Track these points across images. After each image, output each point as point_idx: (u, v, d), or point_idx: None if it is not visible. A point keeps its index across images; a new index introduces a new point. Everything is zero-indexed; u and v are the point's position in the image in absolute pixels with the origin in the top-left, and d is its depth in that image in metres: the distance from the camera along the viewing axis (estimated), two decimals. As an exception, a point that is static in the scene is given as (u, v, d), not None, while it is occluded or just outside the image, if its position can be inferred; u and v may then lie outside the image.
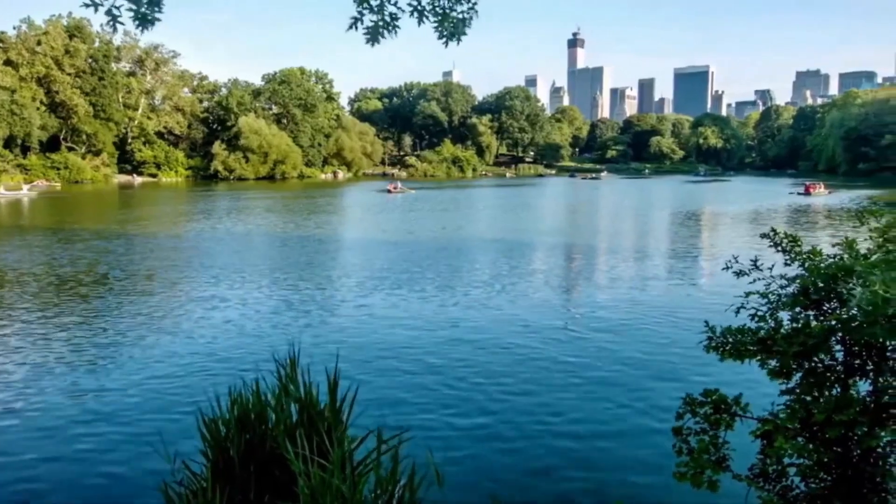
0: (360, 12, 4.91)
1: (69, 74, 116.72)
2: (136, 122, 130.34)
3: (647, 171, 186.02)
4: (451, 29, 5.15)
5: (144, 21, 6.20)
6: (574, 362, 15.01)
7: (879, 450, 5.95)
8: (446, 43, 5.22)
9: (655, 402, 12.32)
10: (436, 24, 5.08)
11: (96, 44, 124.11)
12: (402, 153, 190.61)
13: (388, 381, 13.71)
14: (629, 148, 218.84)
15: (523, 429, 11.36)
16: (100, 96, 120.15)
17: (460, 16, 5.09)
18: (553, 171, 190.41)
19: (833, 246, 6.62)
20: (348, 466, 6.62)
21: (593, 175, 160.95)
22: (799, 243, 6.77)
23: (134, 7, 5.11)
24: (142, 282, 25.39)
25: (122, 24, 6.61)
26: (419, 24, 5.12)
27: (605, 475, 9.79)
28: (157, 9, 5.20)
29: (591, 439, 10.94)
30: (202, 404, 8.30)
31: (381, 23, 4.90)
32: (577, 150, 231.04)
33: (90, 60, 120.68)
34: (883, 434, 5.72)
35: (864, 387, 6.24)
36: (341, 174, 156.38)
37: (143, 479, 9.13)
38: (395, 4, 4.98)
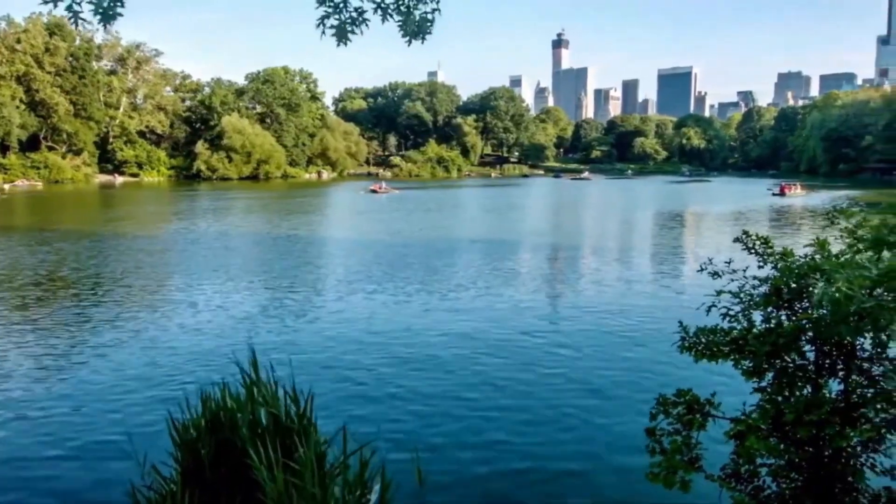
0: (325, 12, 4.84)
1: (49, 73, 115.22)
2: (117, 121, 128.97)
3: (629, 171, 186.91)
4: (415, 28, 5.08)
5: (106, 16, 6.07)
6: (550, 364, 14.95)
7: (850, 449, 5.96)
8: (409, 42, 5.16)
9: (632, 402, 12.30)
10: (400, 23, 5.01)
11: (77, 42, 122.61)
12: (386, 153, 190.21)
13: (360, 384, 13.55)
14: (613, 148, 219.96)
15: (496, 431, 11.29)
16: (80, 95, 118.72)
17: (424, 15, 5.03)
18: (541, 172, 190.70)
19: (805, 246, 6.64)
20: (317, 469, 6.54)
21: (582, 175, 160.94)
22: (771, 245, 6.78)
23: (94, 1, 4.99)
24: (109, 284, 24.77)
25: (83, 19, 6.48)
26: (383, 21, 5.06)
27: (579, 478, 9.75)
28: (118, 3, 5.08)
29: (564, 442, 10.90)
30: (172, 408, 8.18)
31: (346, 21, 4.83)
32: (561, 150, 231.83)
33: (71, 59, 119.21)
34: (853, 434, 5.72)
35: (836, 386, 6.25)
36: (325, 174, 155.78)
37: (112, 484, 8.96)
38: (358, 1, 4.92)
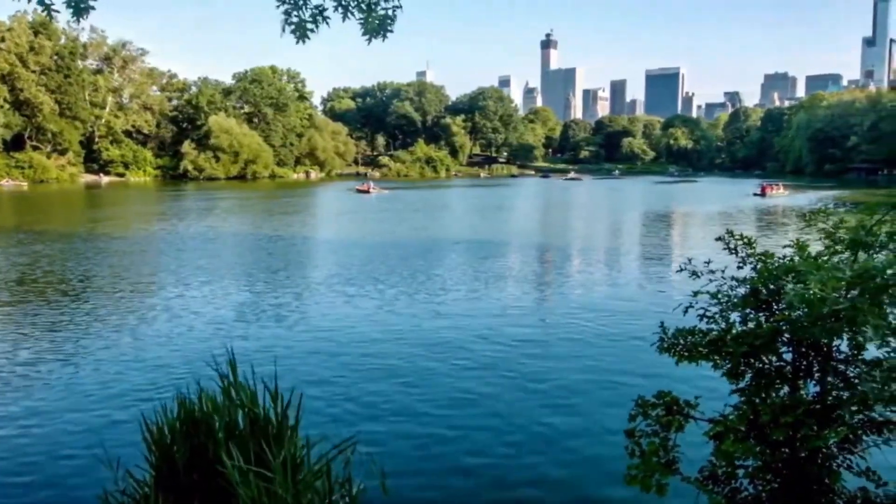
0: (286, 12, 4.76)
1: (34, 72, 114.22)
2: (103, 120, 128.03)
3: (616, 171, 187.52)
4: (376, 26, 5.00)
5: (78, 9, 5.99)
6: (530, 366, 14.85)
7: (826, 451, 5.94)
8: (370, 40, 5.08)
9: (613, 403, 12.26)
10: (361, 21, 4.93)
11: (62, 41, 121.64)
12: (375, 153, 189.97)
13: (339, 387, 13.41)
14: (601, 149, 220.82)
15: (473, 434, 11.22)
16: (65, 94, 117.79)
17: (384, 12, 4.95)
18: (532, 172, 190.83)
19: (784, 247, 6.62)
20: (293, 474, 6.45)
21: (570, 175, 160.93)
22: (753, 245, 6.76)
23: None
24: (83, 286, 24.27)
25: (56, 11, 6.39)
26: (343, 19, 4.98)
27: (557, 480, 9.70)
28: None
29: (542, 444, 10.83)
30: (147, 411, 8.06)
31: (307, 19, 4.75)
32: (550, 150, 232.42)
33: (56, 57, 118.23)
34: (830, 435, 5.71)
35: (813, 388, 6.24)
36: (314, 174, 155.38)
37: (84, 488, 8.84)
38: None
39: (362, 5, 4.86)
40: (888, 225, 5.94)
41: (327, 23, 4.93)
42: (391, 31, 5.03)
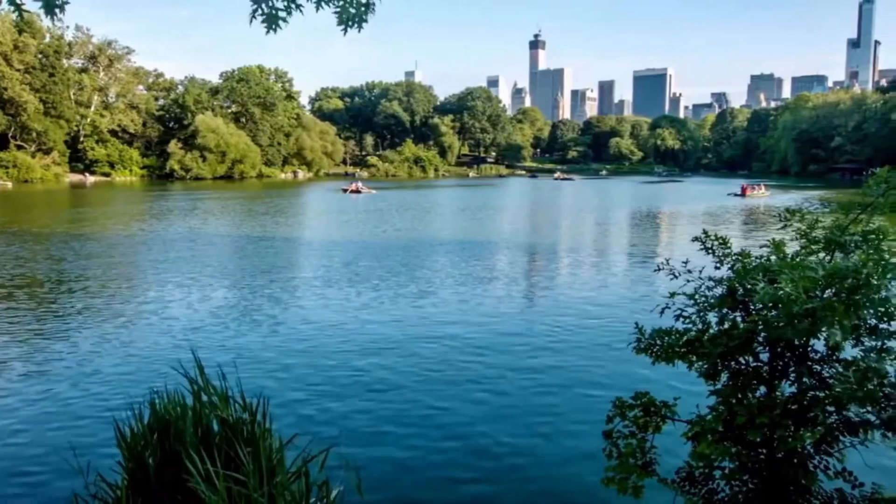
0: (255, 0, 4.61)
1: (18, 70, 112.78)
2: (88, 119, 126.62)
3: (604, 171, 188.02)
4: (352, 14, 4.83)
5: (49, 8, 5.85)
6: (510, 367, 14.78)
7: (803, 452, 5.92)
8: (345, 30, 4.92)
9: (593, 405, 12.22)
10: (336, 10, 4.79)
11: (47, 39, 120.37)
12: (363, 153, 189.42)
13: (316, 389, 13.27)
14: (589, 149, 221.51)
15: (449, 435, 11.16)
16: (50, 93, 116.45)
17: (364, 0, 4.80)
18: (523, 172, 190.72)
19: (761, 247, 6.60)
20: (268, 477, 6.37)
21: (563, 175, 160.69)
22: (729, 245, 6.74)
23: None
24: (53, 287, 23.83)
25: (27, 11, 6.24)
26: (317, 8, 4.85)
27: (535, 482, 9.65)
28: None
29: (519, 445, 10.77)
30: (120, 414, 7.95)
31: (278, 7, 4.60)
32: (538, 150, 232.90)
33: (40, 56, 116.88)
34: (806, 436, 5.68)
35: (789, 389, 6.22)
36: (301, 174, 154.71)
37: (55, 493, 8.69)
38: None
39: (338, -7, 4.70)
40: (862, 224, 5.93)
41: (301, 10, 4.78)
42: (366, 21, 4.88)
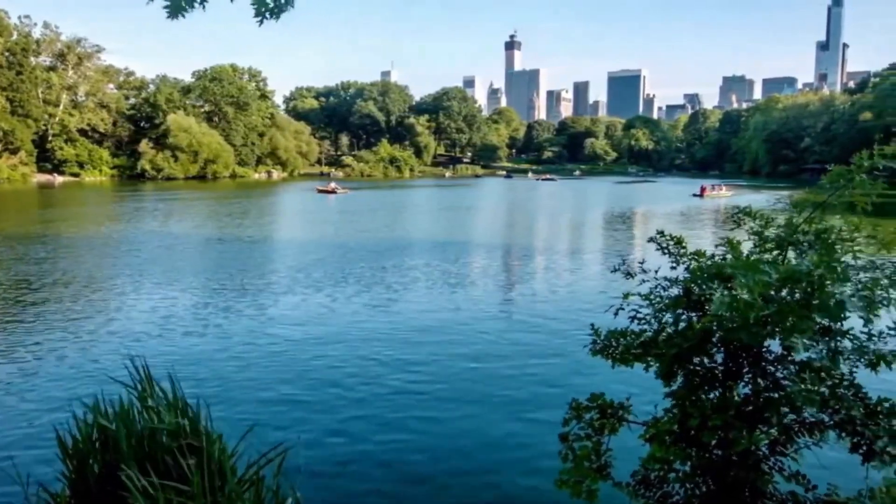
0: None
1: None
2: (56, 118, 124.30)
3: (577, 172, 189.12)
4: (271, 5, 4.59)
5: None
6: (471, 369, 14.71)
7: (757, 453, 5.86)
8: (261, 21, 4.71)
9: (554, 406, 12.12)
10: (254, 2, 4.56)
11: (14, 37, 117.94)
12: (338, 153, 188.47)
13: (271, 393, 13.03)
14: (564, 149, 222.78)
15: (408, 438, 11.05)
16: (17, 91, 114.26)
17: None
18: (503, 172, 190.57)
19: (717, 247, 6.53)
20: (220, 484, 6.16)
21: (546, 176, 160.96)
22: (684, 245, 6.66)
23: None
24: (1, 291, 23.15)
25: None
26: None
27: (492, 486, 9.54)
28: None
29: (477, 447, 10.68)
30: (62, 422, 7.67)
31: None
32: (514, 150, 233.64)
33: (7, 54, 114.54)
34: (760, 437, 5.62)
35: (744, 390, 6.15)
36: (276, 174, 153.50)
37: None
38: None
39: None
40: (815, 223, 5.89)
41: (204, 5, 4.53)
42: (285, 11, 4.62)
